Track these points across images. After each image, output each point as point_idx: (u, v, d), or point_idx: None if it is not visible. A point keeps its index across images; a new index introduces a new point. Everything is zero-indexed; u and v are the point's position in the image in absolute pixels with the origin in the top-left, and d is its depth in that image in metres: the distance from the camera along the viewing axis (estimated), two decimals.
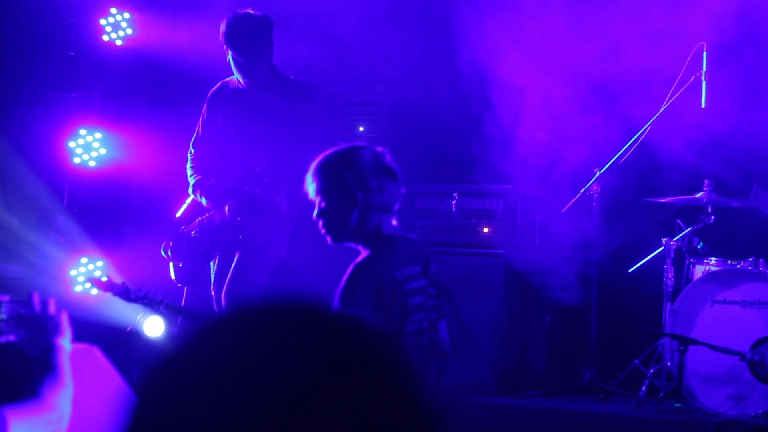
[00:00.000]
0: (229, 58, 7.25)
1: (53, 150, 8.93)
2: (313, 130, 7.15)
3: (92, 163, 8.98)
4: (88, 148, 8.96)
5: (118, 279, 5.06)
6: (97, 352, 3.64)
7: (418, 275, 4.77)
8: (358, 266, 4.74)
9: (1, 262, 8.48)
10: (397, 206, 4.89)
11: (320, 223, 4.90)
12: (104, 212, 9.11)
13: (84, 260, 8.73)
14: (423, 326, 4.73)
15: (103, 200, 9.12)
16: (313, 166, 4.90)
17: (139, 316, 8.01)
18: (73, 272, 8.68)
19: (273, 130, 7.11)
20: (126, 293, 5.02)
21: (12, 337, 3.38)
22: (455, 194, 8.76)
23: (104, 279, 5.04)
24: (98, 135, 8.99)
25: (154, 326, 8.04)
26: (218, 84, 7.52)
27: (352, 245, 4.90)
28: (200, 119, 7.51)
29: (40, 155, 8.88)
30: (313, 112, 7.29)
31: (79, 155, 8.95)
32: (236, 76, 7.37)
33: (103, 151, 9.00)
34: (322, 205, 4.86)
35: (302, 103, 7.16)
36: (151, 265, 7.69)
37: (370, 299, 4.46)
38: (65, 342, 3.36)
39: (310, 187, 4.88)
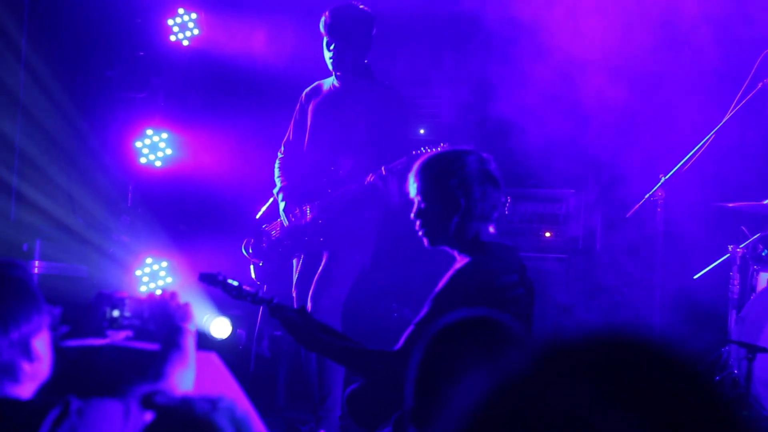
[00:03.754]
0: (324, 48, 7.27)
1: (120, 150, 8.97)
2: (404, 136, 7.14)
3: (158, 164, 9.01)
4: (155, 148, 9.00)
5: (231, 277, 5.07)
6: (215, 359, 3.67)
7: (515, 284, 4.73)
8: (458, 272, 4.70)
9: (68, 262, 8.52)
10: (496, 214, 4.85)
11: (418, 223, 4.84)
12: (169, 212, 9.13)
13: (149, 260, 8.76)
14: None
15: (167, 200, 9.15)
16: (416, 165, 4.84)
17: (205, 318, 8.03)
18: (138, 272, 8.72)
19: (361, 134, 7.12)
20: (238, 290, 5.03)
21: (130, 333, 3.52)
22: (509, 198, 8.75)
23: (220, 276, 5.04)
24: (164, 135, 9.03)
25: (220, 328, 8.06)
26: (312, 84, 7.53)
27: (448, 249, 4.87)
28: (292, 119, 7.52)
29: (108, 155, 8.93)
30: (405, 117, 7.31)
31: (146, 155, 8.99)
32: (331, 79, 7.38)
33: (169, 151, 9.03)
34: (422, 205, 4.80)
35: (394, 109, 7.17)
36: (217, 263, 7.72)
37: (469, 307, 4.42)
38: (191, 326, 3.53)
39: (412, 186, 4.82)
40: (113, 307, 3.58)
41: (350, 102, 7.23)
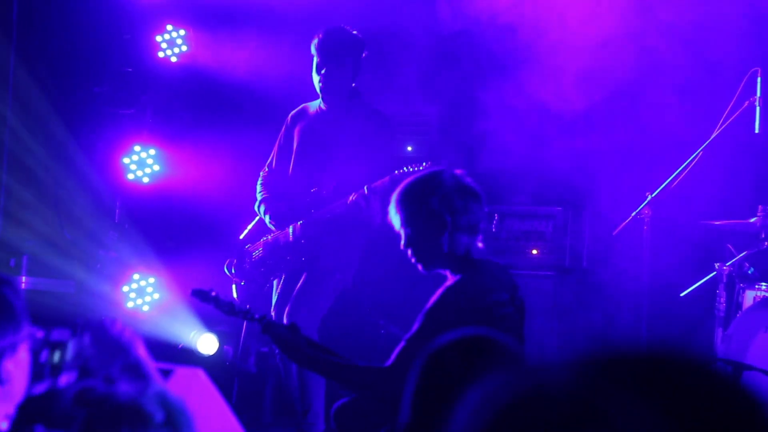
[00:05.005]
0: (314, 70, 7.30)
1: (108, 166, 8.95)
2: (389, 161, 7.17)
3: (146, 180, 8.99)
4: (142, 164, 8.97)
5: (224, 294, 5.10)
6: (201, 375, 3.66)
7: (505, 302, 4.76)
8: (449, 289, 4.73)
9: (55, 278, 8.51)
10: (482, 226, 4.88)
11: (409, 251, 4.86)
12: (156, 228, 9.11)
13: (136, 276, 8.75)
14: None
15: (155, 216, 9.12)
16: (394, 197, 4.88)
17: (192, 334, 8.03)
18: (125, 288, 8.70)
19: (345, 155, 7.16)
20: (230, 306, 5.06)
21: (74, 375, 3.36)
22: (496, 215, 8.77)
23: (213, 293, 5.07)
24: (152, 151, 9.00)
25: (207, 344, 8.06)
26: (299, 107, 7.57)
27: (442, 271, 4.88)
28: (277, 141, 7.56)
29: (95, 171, 8.91)
30: (390, 140, 7.36)
31: (133, 171, 8.96)
32: (317, 102, 7.42)
33: (156, 167, 9.01)
34: (409, 233, 4.82)
35: (380, 131, 7.21)
36: (204, 279, 7.71)
37: (459, 323, 4.44)
38: (140, 350, 3.38)
39: (395, 219, 4.85)
40: (53, 351, 3.41)
41: (336, 124, 7.28)
